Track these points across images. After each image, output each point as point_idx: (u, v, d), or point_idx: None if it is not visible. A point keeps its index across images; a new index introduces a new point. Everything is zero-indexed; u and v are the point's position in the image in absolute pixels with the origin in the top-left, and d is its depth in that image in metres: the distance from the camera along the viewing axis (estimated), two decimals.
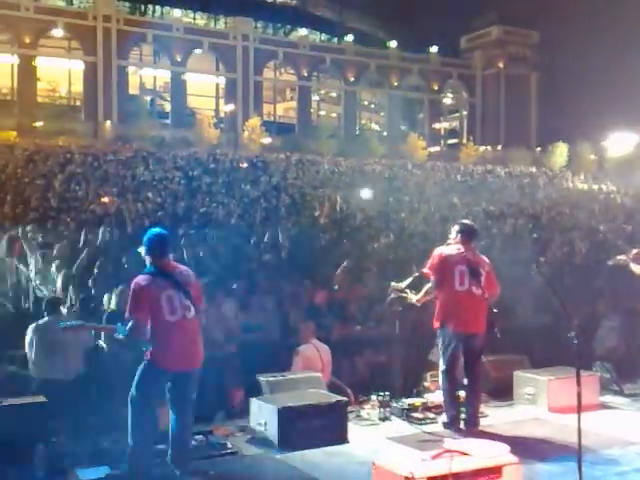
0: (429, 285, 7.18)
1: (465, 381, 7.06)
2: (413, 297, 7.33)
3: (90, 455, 5.93)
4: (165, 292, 5.44)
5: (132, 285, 5.51)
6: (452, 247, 7.11)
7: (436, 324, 7.07)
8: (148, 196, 19.95)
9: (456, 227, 7.27)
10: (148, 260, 5.64)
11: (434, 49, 55.19)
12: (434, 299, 7.22)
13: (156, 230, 5.89)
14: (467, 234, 7.15)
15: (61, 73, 45.09)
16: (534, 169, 44.08)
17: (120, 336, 5.47)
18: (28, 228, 12.82)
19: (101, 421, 6.81)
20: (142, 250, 5.71)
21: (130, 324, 5.37)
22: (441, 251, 7.11)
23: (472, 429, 6.76)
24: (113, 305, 8.21)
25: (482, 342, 7.10)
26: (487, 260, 7.20)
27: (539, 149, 52.37)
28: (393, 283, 7.56)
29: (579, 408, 4.91)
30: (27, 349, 7.27)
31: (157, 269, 5.56)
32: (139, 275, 5.57)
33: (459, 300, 6.90)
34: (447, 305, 6.98)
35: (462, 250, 7.02)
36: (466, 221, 7.56)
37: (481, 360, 7.30)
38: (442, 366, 7.04)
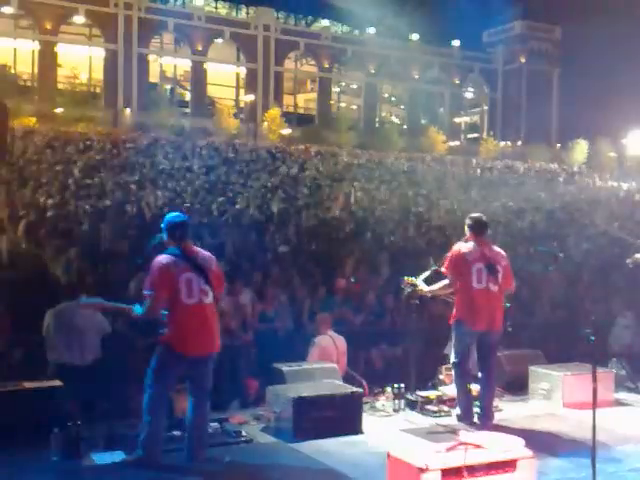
0: (446, 281, 7.11)
1: (479, 375, 7.06)
2: (425, 288, 7.30)
3: (106, 440, 5.97)
4: (185, 274, 5.45)
5: (153, 263, 5.51)
6: (469, 244, 7.02)
7: (452, 320, 7.04)
8: (167, 185, 20.00)
9: (467, 221, 7.16)
10: (169, 244, 5.63)
11: (456, 43, 54.90)
12: (450, 295, 7.18)
13: (175, 214, 5.92)
14: (477, 227, 7.05)
15: (82, 60, 45.18)
16: (554, 165, 43.80)
17: (137, 314, 5.52)
18: (49, 214, 12.91)
19: (117, 406, 6.87)
20: (163, 235, 5.71)
21: (147, 302, 5.41)
22: (459, 248, 7.02)
23: (486, 423, 6.76)
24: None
25: (498, 338, 7.08)
26: (504, 253, 7.14)
27: (559, 145, 52.01)
28: (406, 277, 7.52)
29: (594, 404, 4.89)
30: (44, 333, 7.34)
31: (179, 251, 5.56)
32: (161, 255, 5.57)
33: (476, 298, 6.84)
34: (465, 303, 6.92)
35: (478, 247, 6.95)
36: (475, 214, 7.35)
37: (496, 355, 7.28)
38: (453, 359, 7.03)
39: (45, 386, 6.26)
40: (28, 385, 6.17)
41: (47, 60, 42.63)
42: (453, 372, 7.11)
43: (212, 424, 6.23)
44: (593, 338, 5.06)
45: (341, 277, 10.34)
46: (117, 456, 5.70)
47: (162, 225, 5.75)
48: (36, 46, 42.65)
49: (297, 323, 9.35)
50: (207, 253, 5.81)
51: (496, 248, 7.15)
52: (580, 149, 49.68)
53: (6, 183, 16.25)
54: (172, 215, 5.84)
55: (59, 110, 38.67)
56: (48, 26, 42.49)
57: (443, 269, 7.12)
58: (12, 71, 40.76)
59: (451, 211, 19.59)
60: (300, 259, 11.56)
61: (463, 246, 7.04)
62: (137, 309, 5.53)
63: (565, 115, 53.13)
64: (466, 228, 7.13)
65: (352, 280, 10.46)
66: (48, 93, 40.69)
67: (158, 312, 5.48)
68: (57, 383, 6.30)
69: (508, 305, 7.17)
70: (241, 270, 9.95)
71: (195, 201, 17.12)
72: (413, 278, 7.44)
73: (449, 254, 7.08)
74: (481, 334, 6.92)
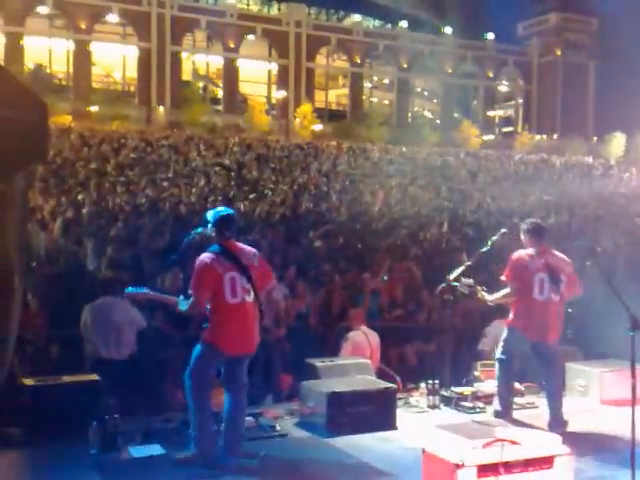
0: (507, 290, 6.80)
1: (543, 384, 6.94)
2: (488, 297, 7.02)
3: (143, 433, 6.04)
4: (229, 273, 5.39)
5: (197, 262, 5.45)
6: (530, 251, 6.68)
7: (508, 324, 6.86)
8: (200, 181, 20.14)
9: (523, 226, 6.84)
10: (214, 239, 5.56)
11: (490, 36, 54.41)
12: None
13: (224, 209, 5.85)
14: (536, 233, 6.71)
15: (115, 59, 45.72)
16: (590, 159, 43.23)
17: (181, 309, 5.55)
18: (85, 211, 13.07)
19: (153, 400, 6.93)
20: (208, 230, 5.60)
21: (191, 300, 5.39)
22: (519, 257, 6.69)
23: (555, 430, 6.18)
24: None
25: (556, 347, 6.80)
26: (567, 259, 6.77)
27: (596, 139, 51.31)
28: (464, 279, 7.18)
29: (633, 401, 4.82)
30: (82, 328, 7.43)
31: (223, 248, 5.49)
32: (204, 253, 5.50)
33: (537, 309, 6.57)
34: (524, 313, 6.66)
35: (541, 255, 6.62)
36: (531, 219, 7.09)
37: (556, 364, 6.88)
38: (499, 355, 6.86)
39: (83, 380, 6.35)
40: (67, 379, 6.26)
41: (82, 59, 43.18)
42: (497, 367, 6.92)
43: (247, 418, 6.26)
44: (632, 333, 4.98)
45: (373, 273, 10.30)
46: (154, 450, 5.76)
47: (209, 219, 5.58)
48: (71, 45, 43.22)
49: (329, 319, 9.35)
50: (251, 249, 5.69)
51: (558, 254, 6.79)
52: (617, 142, 48.98)
53: (44, 181, 16.49)
54: (221, 210, 5.73)
55: (94, 109, 39.13)
56: (82, 25, 43.01)
57: (503, 277, 6.81)
58: (48, 70, 41.33)
59: (485, 206, 19.45)
60: (333, 255, 11.55)
61: (524, 254, 6.70)
62: (182, 304, 5.52)
63: (602, 108, 52.38)
64: (522, 234, 6.79)
65: (384, 277, 10.40)
66: (83, 92, 41.29)
67: (202, 309, 5.46)
68: (95, 377, 6.38)
69: (570, 310, 6.96)
70: (274, 266, 9.94)
71: (228, 197, 17.21)
72: (470, 280, 7.10)
73: (510, 261, 6.75)
74: (534, 343, 6.68)
